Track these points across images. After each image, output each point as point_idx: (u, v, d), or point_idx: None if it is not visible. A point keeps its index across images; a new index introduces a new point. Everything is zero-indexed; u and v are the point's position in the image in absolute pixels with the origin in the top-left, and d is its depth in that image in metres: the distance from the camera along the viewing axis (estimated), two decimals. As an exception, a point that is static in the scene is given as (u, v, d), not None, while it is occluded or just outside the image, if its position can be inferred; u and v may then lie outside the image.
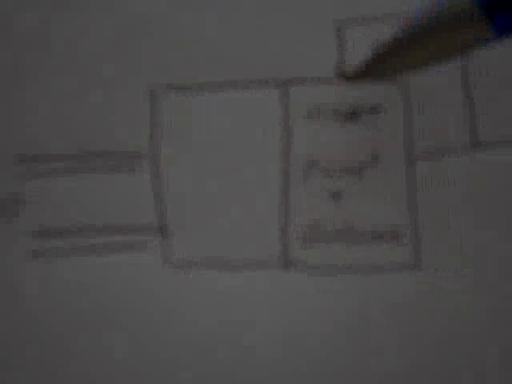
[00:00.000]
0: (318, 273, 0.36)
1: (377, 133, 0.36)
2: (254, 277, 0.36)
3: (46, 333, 0.36)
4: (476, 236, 0.36)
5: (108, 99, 0.36)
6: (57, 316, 0.36)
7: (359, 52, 0.36)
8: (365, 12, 0.36)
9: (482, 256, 0.36)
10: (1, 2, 0.36)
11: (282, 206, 0.36)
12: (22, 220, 0.36)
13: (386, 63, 0.34)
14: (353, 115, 0.36)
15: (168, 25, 0.36)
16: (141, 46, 0.36)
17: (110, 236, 0.36)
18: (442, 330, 0.36)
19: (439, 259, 0.36)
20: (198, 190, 0.36)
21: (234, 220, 0.36)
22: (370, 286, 0.36)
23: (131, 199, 0.36)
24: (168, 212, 0.36)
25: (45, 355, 0.36)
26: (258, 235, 0.36)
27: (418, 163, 0.36)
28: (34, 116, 0.36)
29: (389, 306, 0.36)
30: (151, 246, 0.36)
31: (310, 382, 0.36)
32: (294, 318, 0.36)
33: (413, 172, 0.36)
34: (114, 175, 0.36)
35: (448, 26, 0.34)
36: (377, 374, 0.36)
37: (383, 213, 0.36)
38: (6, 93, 0.36)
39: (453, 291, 0.36)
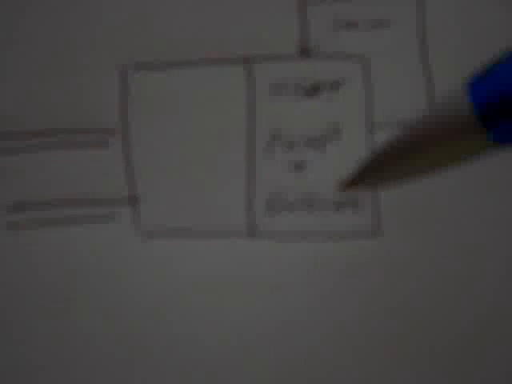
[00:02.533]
0: (282, 240, 0.37)
1: (338, 106, 0.37)
2: (221, 244, 0.37)
3: (19, 302, 0.37)
4: (436, 203, 0.37)
5: (79, 77, 0.38)
6: (31, 286, 0.37)
7: (321, 29, 0.38)
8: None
9: (441, 223, 0.37)
10: None
11: (247, 176, 0.37)
12: (-3, 195, 0.38)
13: (379, 173, 0.35)
14: (315, 90, 0.37)
15: (136, 4, 0.38)
16: (109, 25, 0.38)
17: (82, 208, 0.37)
18: (403, 298, 0.37)
19: (399, 226, 0.37)
20: (167, 163, 0.37)
21: (201, 191, 0.37)
22: (331, 252, 0.37)
23: (103, 173, 0.37)
24: (138, 184, 0.37)
25: (17, 325, 0.37)
26: (225, 205, 0.37)
27: (378, 134, 0.37)
28: (6, 93, 0.38)
29: (350, 271, 0.37)
30: (122, 217, 0.37)
31: (272, 344, 0.37)
32: (259, 284, 0.37)
33: (373, 142, 0.37)
34: (86, 150, 0.37)
35: (444, 137, 0.34)
36: (337, 342, 0.37)
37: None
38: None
39: (412, 258, 0.37)
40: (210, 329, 0.37)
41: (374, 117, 0.37)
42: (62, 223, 0.37)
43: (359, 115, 0.37)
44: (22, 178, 0.37)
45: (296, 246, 0.37)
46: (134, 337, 0.37)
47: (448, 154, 0.31)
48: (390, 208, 0.37)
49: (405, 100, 0.37)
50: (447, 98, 0.25)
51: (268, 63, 0.38)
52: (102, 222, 0.37)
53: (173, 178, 0.37)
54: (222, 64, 0.38)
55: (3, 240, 0.37)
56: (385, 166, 0.31)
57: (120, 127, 0.38)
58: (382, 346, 0.36)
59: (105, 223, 0.37)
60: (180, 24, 0.38)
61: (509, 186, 0.37)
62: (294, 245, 0.37)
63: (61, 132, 0.37)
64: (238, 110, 0.38)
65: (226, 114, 0.38)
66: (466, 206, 0.37)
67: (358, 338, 0.37)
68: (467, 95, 0.24)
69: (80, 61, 0.38)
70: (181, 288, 0.37)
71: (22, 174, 0.37)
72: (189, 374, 0.37)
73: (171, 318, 0.37)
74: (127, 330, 0.37)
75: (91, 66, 0.38)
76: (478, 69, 0.23)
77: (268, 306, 0.37)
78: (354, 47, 0.38)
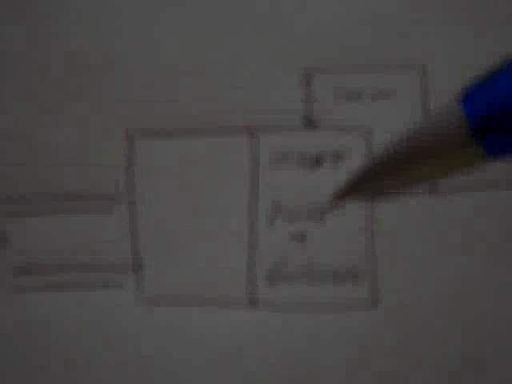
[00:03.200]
0: (282, 311, 0.38)
1: (340, 178, 0.38)
2: (222, 314, 0.38)
3: (22, 365, 0.38)
4: (434, 276, 0.38)
5: (86, 142, 0.38)
6: (34, 349, 0.38)
7: (325, 100, 0.38)
8: (332, 61, 0.38)
9: (439, 296, 0.37)
10: None
11: (249, 246, 0.38)
12: (5, 257, 0.38)
13: (372, 184, 0.35)
14: (317, 161, 0.38)
15: (144, 72, 0.39)
16: (118, 92, 0.38)
17: (87, 273, 0.38)
18: (400, 368, 0.37)
19: (397, 298, 0.37)
20: (171, 231, 0.38)
21: (203, 260, 0.38)
22: (331, 323, 0.37)
23: (108, 239, 0.38)
24: (142, 251, 0.38)
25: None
26: (226, 275, 0.38)
27: (378, 206, 0.38)
28: (13, 157, 0.38)
29: (348, 342, 0.37)
30: (126, 284, 0.38)
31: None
32: (259, 355, 0.38)
33: (372, 215, 0.38)
34: (92, 215, 0.38)
35: (438, 148, 0.34)
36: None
37: (343, 254, 0.38)
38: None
39: (411, 330, 0.37)
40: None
41: (376, 189, 0.38)
42: (66, 288, 0.38)
43: (361, 187, 0.38)
44: (28, 241, 0.38)
45: (296, 317, 0.38)
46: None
47: (442, 165, 0.31)
48: (389, 280, 0.38)
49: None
50: (442, 109, 0.25)
51: (272, 134, 0.38)
52: (106, 287, 0.38)
53: (176, 245, 0.38)
54: (226, 133, 0.38)
55: (9, 303, 0.38)
56: (378, 176, 0.31)
57: (125, 194, 0.38)
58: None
59: (109, 289, 0.38)
60: (187, 93, 0.38)
61: (503, 245, 0.38)
62: (294, 315, 0.38)
63: (67, 197, 0.38)
64: (241, 180, 0.38)
65: (230, 183, 0.38)
66: (465, 280, 0.38)
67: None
68: (461, 107, 0.24)
69: (86, 127, 0.38)
70: (182, 357, 0.38)
71: (28, 238, 0.38)
72: None
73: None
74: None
75: (99, 132, 0.38)
76: (471, 82, 0.23)
77: (268, 376, 0.38)
78: (357, 118, 0.38)
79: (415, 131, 0.27)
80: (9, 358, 0.38)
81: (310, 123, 0.38)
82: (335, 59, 0.38)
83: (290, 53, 0.38)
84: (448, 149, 0.31)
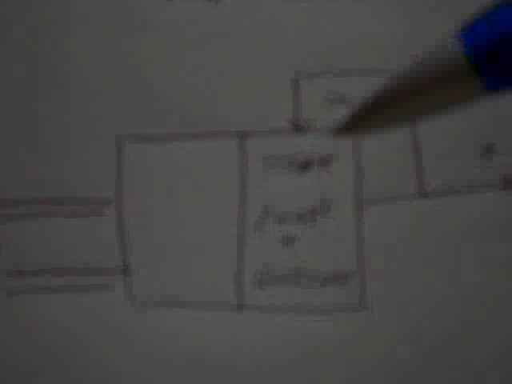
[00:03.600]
0: (270, 313, 0.38)
1: (328, 181, 0.38)
2: (210, 316, 0.38)
3: (15, 367, 0.38)
4: (422, 279, 0.38)
5: (75, 147, 0.39)
6: (28, 353, 0.38)
7: (313, 104, 0.39)
8: (320, 66, 0.39)
9: (427, 298, 0.38)
10: None
11: (238, 250, 0.38)
12: (-3, 261, 0.39)
13: (371, 117, 0.35)
14: (306, 165, 0.38)
15: (133, 78, 0.39)
16: (107, 97, 0.39)
17: (76, 276, 0.38)
18: (388, 369, 0.38)
19: (385, 301, 0.38)
20: (159, 234, 0.38)
21: (192, 263, 0.38)
22: (319, 327, 0.38)
23: (97, 243, 0.38)
24: (131, 254, 0.38)
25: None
26: (215, 278, 0.38)
27: (366, 210, 0.38)
28: (6, 161, 0.39)
29: (336, 345, 0.38)
30: (115, 287, 0.38)
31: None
32: (247, 358, 0.38)
33: (361, 218, 0.38)
34: (82, 219, 0.38)
35: (435, 79, 0.34)
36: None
37: (332, 257, 0.38)
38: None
39: (398, 332, 0.38)
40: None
41: (363, 192, 0.38)
42: (55, 291, 0.38)
43: (349, 190, 0.38)
44: (18, 245, 0.38)
45: (284, 320, 0.38)
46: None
47: (441, 98, 0.31)
48: (376, 283, 0.38)
49: (393, 176, 0.38)
50: (438, 45, 0.25)
51: (261, 138, 0.38)
52: (96, 290, 0.38)
53: (165, 249, 0.38)
54: (216, 138, 0.38)
55: (0, 305, 0.38)
56: (378, 111, 0.31)
57: (115, 198, 0.38)
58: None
59: (98, 292, 0.38)
60: (176, 98, 0.39)
61: (490, 262, 0.38)
62: (282, 318, 0.38)
63: (57, 201, 0.38)
64: (231, 184, 0.38)
65: (219, 187, 0.38)
66: (452, 282, 0.38)
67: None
68: (459, 42, 0.24)
69: (77, 132, 0.39)
70: (170, 358, 0.38)
71: (18, 241, 0.38)
72: None
73: (160, 387, 0.38)
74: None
75: (88, 137, 0.39)
76: (469, 17, 0.23)
77: (256, 377, 0.38)
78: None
79: (415, 65, 0.27)
80: (1, 359, 0.38)
81: (298, 128, 0.39)
82: (323, 64, 0.39)
83: (278, 58, 0.39)
84: (447, 82, 0.31)
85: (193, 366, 0.38)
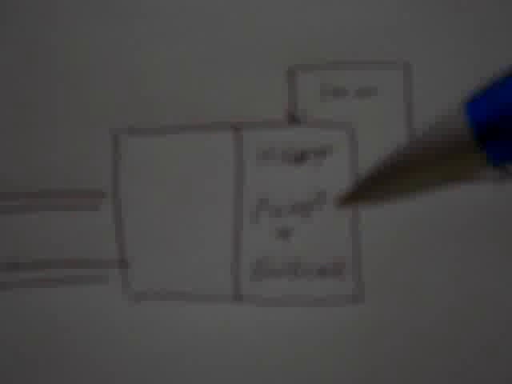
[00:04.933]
0: (267, 306, 0.38)
1: (324, 173, 0.38)
2: (207, 309, 0.38)
3: (8, 360, 0.38)
4: (419, 271, 0.38)
5: (71, 140, 0.39)
6: (22, 346, 0.38)
7: (309, 96, 0.39)
8: (316, 59, 0.39)
9: (422, 289, 0.38)
10: None
11: (234, 242, 0.38)
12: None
13: (377, 188, 0.35)
14: (301, 157, 0.38)
15: (129, 69, 0.39)
16: (103, 89, 0.39)
17: (72, 269, 0.38)
18: (386, 362, 0.38)
19: (382, 293, 0.38)
20: (156, 227, 0.38)
21: (189, 255, 0.38)
22: (315, 319, 0.38)
23: (93, 235, 0.38)
24: (128, 247, 0.38)
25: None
26: (212, 270, 0.38)
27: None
28: (2, 155, 0.39)
29: (334, 337, 0.38)
30: (112, 279, 0.38)
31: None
32: (244, 350, 0.38)
33: (357, 210, 0.38)
34: (78, 212, 0.38)
35: (442, 155, 0.34)
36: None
37: (328, 249, 0.38)
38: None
39: (394, 324, 0.38)
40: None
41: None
42: (52, 284, 0.38)
43: (344, 182, 0.38)
44: (13, 238, 0.38)
45: (280, 311, 0.38)
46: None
47: (446, 171, 0.31)
48: (373, 275, 0.38)
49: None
50: (446, 116, 0.25)
51: (256, 130, 0.38)
52: (92, 283, 0.38)
53: (161, 241, 0.38)
54: (211, 130, 0.39)
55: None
56: (383, 181, 0.31)
57: (111, 190, 0.38)
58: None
59: (94, 285, 0.38)
60: (171, 90, 0.39)
61: (485, 253, 0.38)
62: (278, 310, 0.38)
63: (53, 194, 0.38)
64: (226, 176, 0.38)
65: (215, 179, 0.38)
66: (450, 274, 0.38)
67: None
68: (465, 114, 0.24)
69: (73, 124, 0.39)
70: (167, 351, 0.38)
71: (13, 234, 0.38)
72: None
73: (158, 379, 0.38)
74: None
75: (84, 129, 0.39)
76: (475, 89, 0.23)
77: (253, 369, 0.38)
78: (341, 115, 0.39)
79: (420, 137, 0.27)
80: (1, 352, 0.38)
81: (294, 120, 0.39)
82: (319, 56, 0.39)
83: (274, 50, 0.39)
84: (452, 155, 0.31)
85: (189, 358, 0.38)
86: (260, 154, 0.38)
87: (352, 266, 0.38)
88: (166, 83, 0.39)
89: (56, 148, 0.39)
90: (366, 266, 0.38)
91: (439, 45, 0.39)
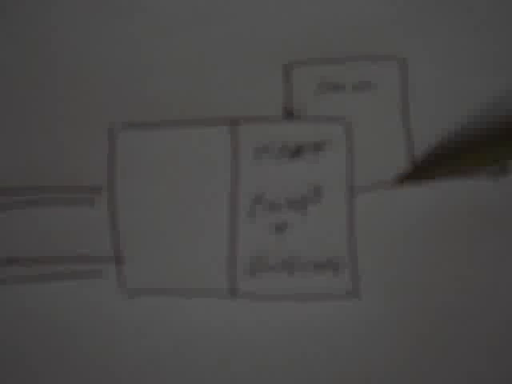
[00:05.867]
0: (262, 301, 0.38)
1: (320, 168, 0.38)
2: (203, 304, 0.38)
3: (5, 354, 0.38)
4: (414, 265, 0.38)
5: (67, 135, 0.39)
6: (18, 341, 0.38)
7: (305, 91, 0.39)
8: (312, 53, 0.39)
9: (418, 285, 0.38)
10: None
11: (230, 237, 0.38)
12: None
13: (435, 167, 0.35)
14: (298, 152, 0.38)
15: (125, 65, 0.39)
16: (98, 85, 0.39)
17: (68, 265, 0.38)
18: (381, 356, 0.38)
19: (378, 288, 0.38)
20: (152, 222, 0.38)
21: (185, 251, 0.38)
22: (310, 314, 0.38)
23: (89, 231, 0.38)
24: (123, 242, 0.38)
25: (1, 379, 0.38)
26: (207, 266, 0.38)
27: (358, 197, 0.38)
28: (0, 150, 0.39)
29: (329, 332, 0.38)
30: (107, 275, 0.38)
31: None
32: (240, 345, 0.38)
33: (353, 205, 0.38)
34: (74, 207, 0.38)
35: (495, 137, 0.34)
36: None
37: (324, 244, 0.38)
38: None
39: (390, 319, 0.38)
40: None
41: (355, 179, 0.38)
42: (47, 279, 0.38)
43: (341, 177, 0.38)
44: (9, 233, 0.38)
45: (276, 307, 0.38)
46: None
47: (498, 153, 0.32)
48: (369, 270, 0.38)
49: (386, 163, 0.38)
50: (503, 97, 0.25)
51: (253, 125, 0.38)
52: (87, 278, 0.38)
53: (157, 237, 0.38)
54: (207, 125, 0.38)
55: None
56: (439, 163, 0.31)
57: (107, 186, 0.38)
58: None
59: (90, 280, 0.38)
60: (168, 85, 0.39)
61: (475, 251, 0.38)
62: (274, 305, 0.38)
63: (48, 189, 0.38)
64: (222, 171, 0.38)
65: (211, 174, 0.38)
66: (444, 268, 0.38)
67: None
68: None
69: (69, 119, 0.39)
70: (163, 346, 0.38)
71: (9, 229, 0.38)
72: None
73: (153, 374, 0.38)
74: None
75: (80, 124, 0.39)
76: None
77: (247, 364, 0.38)
78: (337, 110, 0.39)
79: (474, 120, 0.27)
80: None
81: (290, 114, 0.39)
82: (316, 51, 0.39)
83: (270, 44, 0.39)
84: (504, 137, 0.31)
85: (185, 354, 0.38)
86: (256, 148, 0.38)
87: (348, 261, 0.38)
88: (162, 78, 0.39)
89: (51, 144, 0.39)
90: (361, 262, 0.38)
91: (436, 40, 0.39)
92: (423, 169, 0.34)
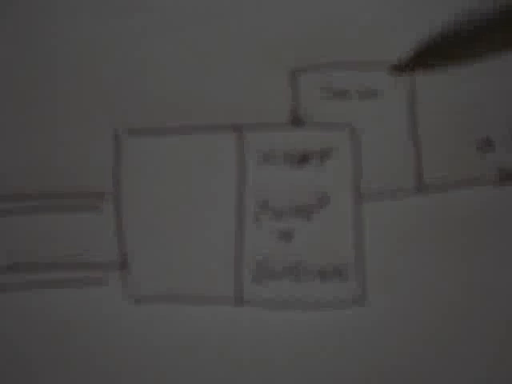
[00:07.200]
0: (269, 308, 0.38)
1: (326, 175, 0.38)
2: (208, 311, 0.38)
3: (7, 363, 0.38)
4: (421, 273, 0.38)
5: (72, 141, 0.38)
6: (19, 347, 0.38)
7: (312, 98, 0.38)
8: (317, 59, 0.39)
9: (426, 292, 0.38)
10: None
11: (236, 244, 0.38)
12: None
13: (437, 55, 0.35)
14: (304, 159, 0.38)
15: (130, 70, 0.39)
16: (103, 91, 0.38)
17: (72, 271, 0.38)
18: (387, 364, 0.38)
19: (384, 296, 0.38)
20: (157, 229, 0.38)
21: (190, 258, 0.38)
22: (317, 321, 0.38)
23: (94, 237, 0.38)
24: (129, 249, 0.38)
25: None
26: (213, 272, 0.38)
27: (365, 204, 0.38)
28: (3, 156, 0.38)
29: (335, 340, 0.38)
30: (112, 281, 0.38)
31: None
32: (246, 352, 0.38)
33: (359, 212, 0.38)
34: (79, 213, 0.38)
35: (500, 23, 0.34)
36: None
37: (330, 251, 0.38)
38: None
39: (397, 327, 0.38)
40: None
41: (362, 187, 0.38)
42: (52, 286, 0.38)
43: (347, 185, 0.38)
44: (13, 240, 0.38)
45: (282, 314, 0.38)
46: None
47: (503, 39, 0.32)
48: (376, 278, 0.38)
49: (393, 170, 0.38)
50: None
51: (259, 132, 0.38)
52: (92, 285, 0.38)
53: (163, 243, 0.38)
54: (213, 131, 0.38)
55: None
56: (445, 47, 0.31)
57: (112, 192, 0.38)
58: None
59: (94, 287, 0.38)
60: (173, 91, 0.38)
61: (488, 248, 0.38)
62: (280, 313, 0.38)
63: (53, 195, 0.38)
64: (227, 178, 0.38)
65: (216, 180, 0.38)
66: (452, 277, 0.38)
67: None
68: None
69: (74, 125, 0.38)
70: (168, 352, 0.38)
71: (13, 236, 0.38)
72: None
73: (159, 382, 0.38)
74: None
75: (85, 130, 0.38)
76: None
77: (253, 372, 0.38)
78: (343, 116, 0.38)
79: (478, 8, 0.27)
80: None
81: (296, 121, 0.38)
82: (322, 58, 0.38)
83: (276, 51, 0.38)
84: (509, 23, 0.31)
85: (191, 361, 0.38)
86: (262, 155, 0.38)
87: (354, 268, 0.38)
88: (167, 84, 0.38)
89: (57, 149, 0.38)
90: (368, 269, 0.38)
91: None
92: (424, 55, 0.33)
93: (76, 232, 0.38)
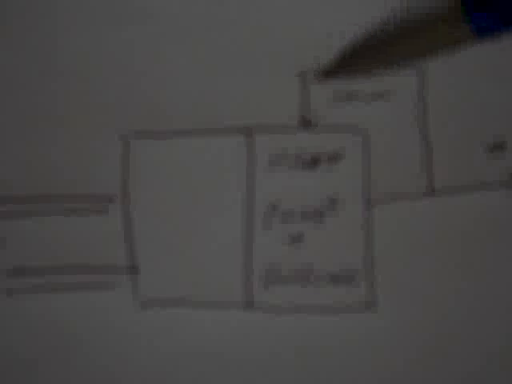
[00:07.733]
0: (278, 313, 0.37)
1: (337, 179, 0.38)
2: (218, 316, 0.38)
3: (16, 367, 0.38)
4: (432, 278, 0.38)
5: (80, 144, 0.38)
6: (29, 351, 0.38)
7: (322, 100, 0.38)
8: (327, 61, 0.38)
9: (435, 297, 0.38)
10: None
11: (246, 248, 0.38)
12: (-1, 259, 0.38)
13: (361, 59, 0.35)
14: (314, 162, 0.38)
15: (138, 73, 0.38)
16: (112, 93, 0.38)
17: (81, 275, 0.38)
18: (397, 370, 0.37)
19: (394, 301, 0.37)
20: (166, 232, 0.38)
21: (200, 262, 0.38)
22: (327, 326, 0.37)
23: (102, 240, 0.38)
24: (137, 253, 0.38)
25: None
26: (223, 277, 0.38)
27: (375, 208, 0.38)
28: (7, 157, 0.38)
29: (345, 344, 0.37)
30: (121, 286, 0.38)
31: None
32: (255, 357, 0.38)
33: (370, 216, 0.38)
34: (87, 217, 0.38)
35: (428, 24, 0.34)
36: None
37: (340, 256, 0.37)
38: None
39: (407, 332, 0.37)
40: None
41: (372, 190, 0.38)
42: (60, 290, 0.38)
43: (357, 188, 0.38)
44: (21, 243, 0.38)
45: (292, 319, 0.38)
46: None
47: (431, 40, 0.32)
48: (385, 283, 0.38)
49: (403, 173, 0.38)
50: None
51: (269, 134, 0.38)
52: (101, 289, 0.38)
53: (172, 247, 0.38)
54: (223, 134, 0.38)
55: (3, 305, 0.38)
56: (369, 52, 0.31)
57: (120, 195, 0.38)
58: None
59: (103, 291, 0.38)
60: (182, 94, 0.38)
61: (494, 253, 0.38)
62: (290, 318, 0.38)
63: (61, 198, 0.38)
64: (237, 181, 0.38)
65: (226, 184, 0.38)
66: (462, 281, 0.38)
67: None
68: None
69: (82, 128, 0.38)
70: (177, 356, 0.38)
71: (22, 239, 0.38)
72: None
73: (167, 387, 0.38)
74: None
75: (93, 133, 0.38)
76: None
77: (263, 377, 0.38)
78: (354, 119, 0.38)
79: (407, 8, 0.28)
80: (2, 359, 0.38)
81: (306, 124, 0.38)
82: (332, 60, 0.38)
83: (286, 53, 0.38)
84: (437, 24, 0.31)
85: (200, 365, 0.38)
86: (272, 158, 0.38)
87: (364, 272, 0.38)
88: (176, 87, 0.38)
89: (65, 152, 0.38)
90: (378, 273, 0.38)
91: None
92: (349, 60, 0.33)
93: (84, 236, 0.38)
